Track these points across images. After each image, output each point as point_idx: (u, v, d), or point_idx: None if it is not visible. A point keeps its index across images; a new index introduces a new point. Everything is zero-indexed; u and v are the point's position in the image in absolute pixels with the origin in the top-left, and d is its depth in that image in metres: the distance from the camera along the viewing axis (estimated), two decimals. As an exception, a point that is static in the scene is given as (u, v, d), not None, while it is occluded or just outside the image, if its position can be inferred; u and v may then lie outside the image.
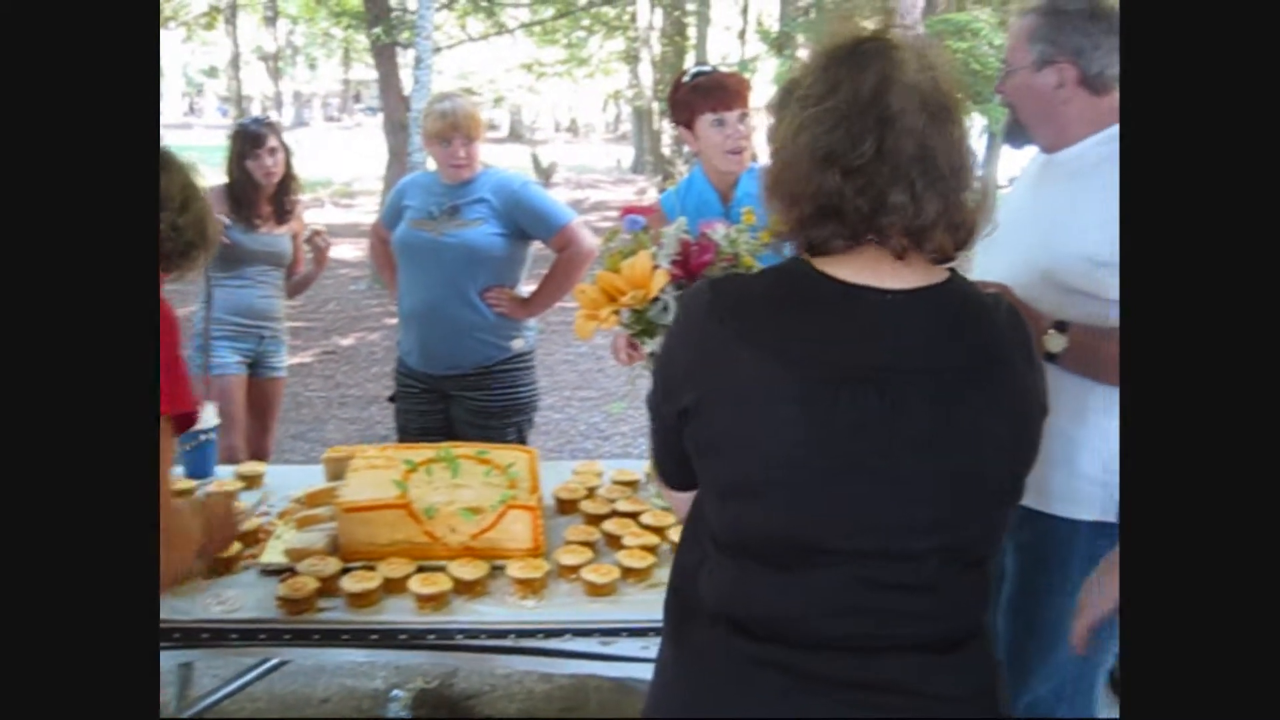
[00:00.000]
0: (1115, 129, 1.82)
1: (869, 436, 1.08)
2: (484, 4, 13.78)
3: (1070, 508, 1.84)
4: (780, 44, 13.95)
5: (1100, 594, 1.57)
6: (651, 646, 1.85)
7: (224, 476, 2.47)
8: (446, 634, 1.86)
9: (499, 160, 3.27)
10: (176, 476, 2.39)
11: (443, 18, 13.67)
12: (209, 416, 2.50)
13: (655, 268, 1.85)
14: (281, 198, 3.42)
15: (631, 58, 20.54)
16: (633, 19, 18.79)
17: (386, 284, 3.35)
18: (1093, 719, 1.96)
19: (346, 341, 7.61)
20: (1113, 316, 1.76)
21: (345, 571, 1.93)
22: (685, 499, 1.31)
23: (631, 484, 2.39)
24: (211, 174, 2.33)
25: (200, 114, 42.94)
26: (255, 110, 26.78)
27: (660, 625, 1.87)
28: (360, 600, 1.87)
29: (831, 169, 1.09)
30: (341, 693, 2.86)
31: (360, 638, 1.86)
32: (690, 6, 18.36)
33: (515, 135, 33.07)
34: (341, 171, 20.10)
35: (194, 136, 19.59)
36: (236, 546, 2.00)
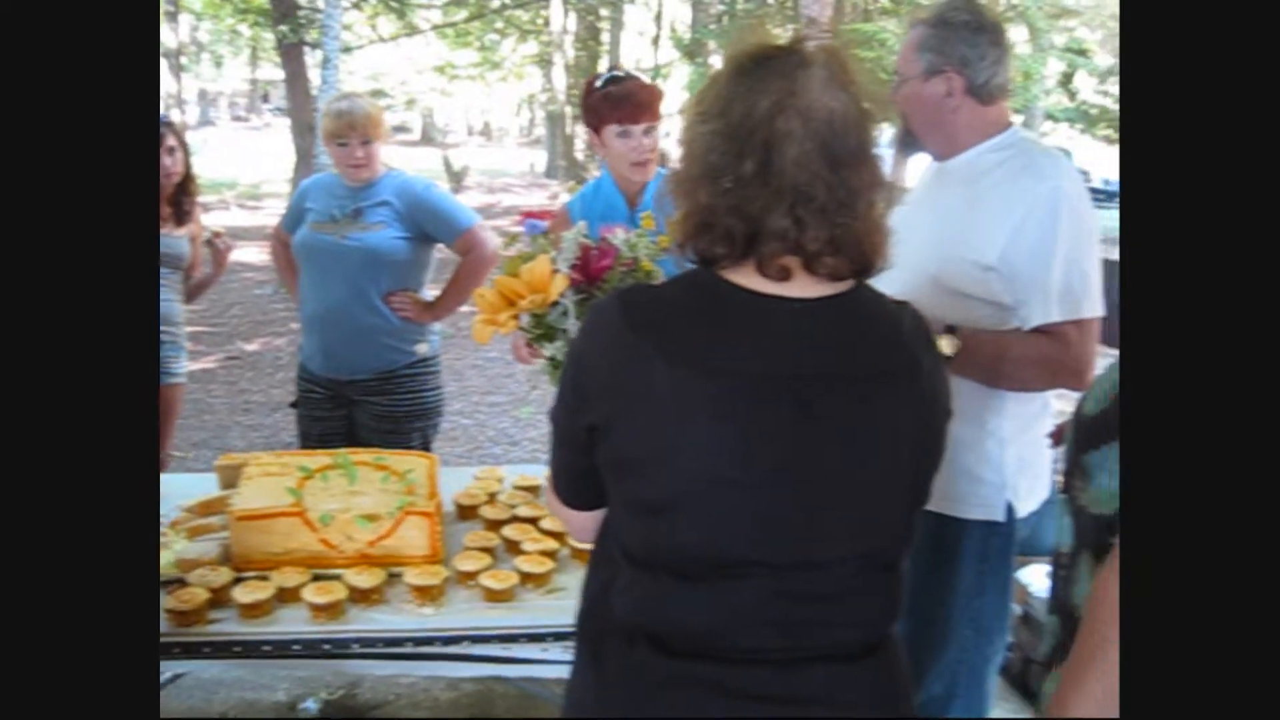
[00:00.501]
0: (1004, 137, 1.89)
1: (785, 446, 1.08)
2: (395, 4, 13.59)
3: (961, 507, 1.89)
4: (693, 51, 14.09)
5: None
6: (551, 649, 1.84)
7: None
8: (342, 643, 1.82)
9: (411, 163, 3.24)
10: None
11: (353, 17, 13.47)
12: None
13: (554, 272, 1.84)
14: (180, 198, 3.32)
15: (545, 62, 20.52)
16: (546, 23, 18.79)
17: (288, 288, 3.28)
18: (985, 718, 2.01)
19: (251, 347, 7.44)
20: (999, 319, 1.81)
21: (238, 581, 1.89)
22: (581, 518, 1.28)
23: (533, 489, 2.39)
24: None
25: (99, 112, 41.37)
26: (157, 109, 25.94)
27: (558, 630, 1.87)
28: (253, 611, 1.83)
29: (710, 185, 1.09)
30: (241, 706, 2.79)
31: (253, 650, 1.82)
32: (604, 11, 18.37)
33: (427, 138, 32.64)
34: (249, 173, 19.64)
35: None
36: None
